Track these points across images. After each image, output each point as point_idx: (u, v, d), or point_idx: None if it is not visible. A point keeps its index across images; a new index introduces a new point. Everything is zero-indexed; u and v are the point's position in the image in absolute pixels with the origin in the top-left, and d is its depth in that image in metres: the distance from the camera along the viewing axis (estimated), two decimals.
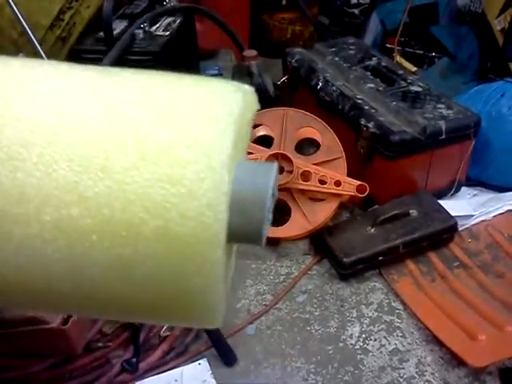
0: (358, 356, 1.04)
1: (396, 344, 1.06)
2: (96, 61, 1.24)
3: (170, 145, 0.37)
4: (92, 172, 0.36)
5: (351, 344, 1.07)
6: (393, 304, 1.15)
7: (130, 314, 0.43)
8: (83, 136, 0.37)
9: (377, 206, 1.30)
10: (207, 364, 1.01)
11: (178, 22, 1.46)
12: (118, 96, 0.40)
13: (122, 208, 0.36)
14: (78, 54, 1.35)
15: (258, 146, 1.30)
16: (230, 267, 0.48)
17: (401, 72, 1.46)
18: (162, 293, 0.39)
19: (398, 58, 1.80)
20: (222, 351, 1.03)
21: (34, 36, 1.08)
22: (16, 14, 1.01)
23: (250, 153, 1.27)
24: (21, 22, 1.05)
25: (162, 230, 0.36)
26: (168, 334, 1.05)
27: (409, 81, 1.41)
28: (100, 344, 1.02)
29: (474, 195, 1.39)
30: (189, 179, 0.36)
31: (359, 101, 1.35)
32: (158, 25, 1.43)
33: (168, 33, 1.40)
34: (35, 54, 1.14)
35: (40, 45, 1.10)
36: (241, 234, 0.41)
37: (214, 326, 0.44)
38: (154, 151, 0.37)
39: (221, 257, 0.38)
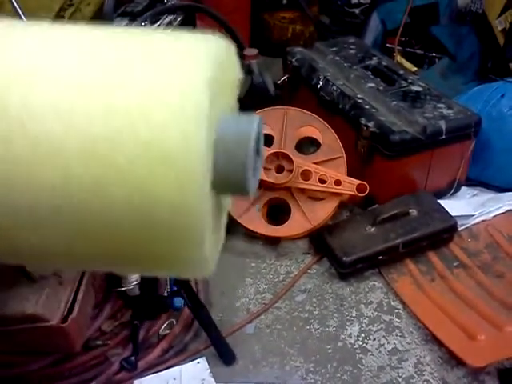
0: (357, 355, 1.04)
1: (395, 343, 1.06)
2: None
3: (153, 67, 0.39)
4: (74, 90, 0.38)
5: (350, 343, 1.07)
6: (392, 303, 1.15)
7: (112, 249, 0.43)
8: (68, 64, 0.39)
9: (377, 206, 1.30)
10: (206, 363, 1.01)
11: (178, 20, 1.46)
12: (103, 35, 0.42)
13: (103, 121, 0.37)
14: None
15: None
16: (220, 226, 0.49)
17: (401, 72, 1.46)
18: (143, 217, 0.39)
19: (399, 58, 1.80)
20: (220, 350, 1.03)
21: None
22: (17, 10, 1.01)
23: None
24: (21, 19, 1.04)
25: (143, 143, 0.37)
26: (167, 332, 1.05)
27: (409, 80, 1.41)
28: (99, 342, 1.02)
29: (474, 195, 1.39)
30: (171, 94, 0.37)
31: (359, 100, 1.35)
32: (158, 23, 1.43)
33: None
34: None
35: None
36: (226, 178, 0.41)
37: (203, 272, 0.44)
38: (136, 72, 0.38)
39: (203, 174, 0.38)
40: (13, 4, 0.96)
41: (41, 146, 0.38)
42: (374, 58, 1.53)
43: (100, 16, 1.30)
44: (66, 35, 0.43)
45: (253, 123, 0.42)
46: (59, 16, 1.28)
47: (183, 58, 0.40)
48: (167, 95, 0.38)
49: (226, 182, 0.42)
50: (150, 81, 0.39)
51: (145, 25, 1.36)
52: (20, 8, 1.00)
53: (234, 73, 0.47)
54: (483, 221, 1.29)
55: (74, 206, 0.39)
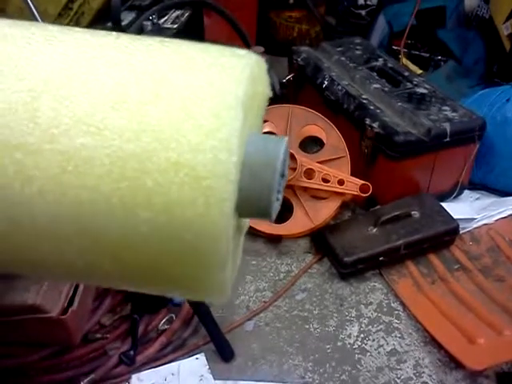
0: (356, 355, 1.04)
1: (394, 345, 1.06)
2: None
3: (186, 84, 0.38)
4: (108, 104, 0.37)
5: (349, 343, 1.07)
6: (392, 305, 1.14)
7: (135, 269, 0.42)
8: (103, 75, 0.38)
9: (379, 207, 1.30)
10: (204, 359, 1.01)
11: (186, 15, 1.46)
12: (138, 46, 0.41)
13: (135, 139, 0.36)
14: None
15: None
16: (238, 250, 0.48)
17: (407, 73, 1.46)
18: (168, 238, 0.38)
19: (404, 60, 1.80)
20: (219, 346, 1.02)
21: None
22: (26, 2, 1.01)
23: None
24: (30, 10, 1.04)
25: (173, 163, 0.36)
26: (166, 327, 1.05)
27: (414, 82, 1.41)
28: (98, 335, 1.02)
29: (477, 199, 1.38)
30: (204, 114, 0.36)
31: (364, 101, 1.35)
32: (166, 17, 1.43)
33: (176, 26, 1.40)
34: None
35: None
36: (251, 202, 0.40)
37: (222, 295, 0.43)
38: (169, 89, 0.37)
39: (231, 196, 0.37)
40: (29, 7, 0.96)
41: (70, 161, 0.36)
42: (380, 60, 1.53)
43: (107, 9, 1.30)
44: (100, 45, 0.42)
45: (280, 146, 0.41)
46: (67, 8, 1.28)
47: (218, 75, 0.39)
48: (201, 116, 0.37)
49: (249, 204, 0.41)
50: (183, 99, 0.38)
51: (152, 19, 1.36)
52: (32, 2, 0.99)
53: (263, 88, 0.46)
54: (485, 224, 1.28)
55: (99, 225, 0.38)
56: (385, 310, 1.13)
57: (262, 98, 0.46)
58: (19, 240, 0.39)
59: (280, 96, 1.57)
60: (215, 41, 1.83)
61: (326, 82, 1.45)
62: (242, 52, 0.43)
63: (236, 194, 0.39)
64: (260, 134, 0.44)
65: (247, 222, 0.51)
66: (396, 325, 1.10)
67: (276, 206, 0.42)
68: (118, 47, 0.42)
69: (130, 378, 0.97)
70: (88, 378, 0.95)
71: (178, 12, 1.48)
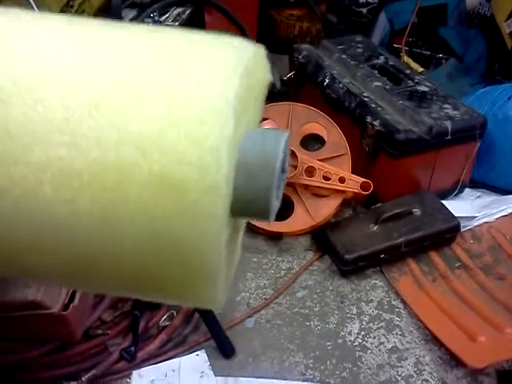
0: (357, 353, 1.04)
1: (395, 342, 1.06)
2: None
3: (171, 84, 0.34)
4: (85, 109, 0.33)
5: (350, 341, 1.07)
6: (393, 302, 1.14)
7: (121, 280, 0.40)
8: (79, 73, 0.34)
9: (380, 204, 1.30)
10: (205, 355, 1.01)
11: (187, 12, 1.46)
12: (120, 38, 0.37)
13: (115, 149, 0.33)
14: None
15: None
16: (235, 249, 0.45)
17: (408, 71, 1.46)
18: (154, 252, 0.36)
19: (405, 58, 1.80)
20: (220, 343, 1.03)
21: None
22: (28, 0, 1.01)
23: None
24: (32, 7, 1.04)
25: (156, 175, 0.33)
26: (167, 324, 1.05)
27: (416, 80, 1.41)
28: (99, 331, 1.02)
29: (478, 197, 1.38)
30: (190, 120, 0.33)
31: (366, 98, 1.35)
32: (167, 15, 1.43)
33: (177, 23, 1.40)
34: None
35: None
36: (247, 203, 0.37)
37: (214, 305, 0.40)
38: (153, 90, 0.34)
39: (222, 210, 0.34)
40: (31, 5, 0.96)
41: (45, 173, 0.33)
42: (381, 57, 1.53)
43: (108, 6, 1.30)
44: (78, 36, 0.38)
45: (280, 143, 0.38)
46: (68, 6, 1.28)
47: (208, 74, 0.35)
48: (187, 122, 0.33)
49: (246, 205, 0.38)
50: (168, 102, 0.34)
51: (153, 16, 1.36)
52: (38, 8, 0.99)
53: (262, 76, 0.43)
54: (486, 222, 1.28)
55: (81, 240, 0.35)
56: (385, 307, 1.13)
57: (260, 86, 0.43)
58: (3, 250, 0.37)
59: (281, 94, 1.57)
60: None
61: (327, 80, 1.45)
62: (238, 43, 0.39)
63: (230, 198, 0.36)
64: (257, 130, 0.40)
65: (244, 220, 0.48)
66: (397, 322, 1.10)
67: (275, 206, 0.39)
68: (98, 39, 0.38)
69: (130, 374, 0.97)
70: (89, 374, 0.95)
71: (179, 9, 1.48)
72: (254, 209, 0.38)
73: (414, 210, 1.24)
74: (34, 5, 0.99)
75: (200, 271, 0.36)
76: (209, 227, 0.34)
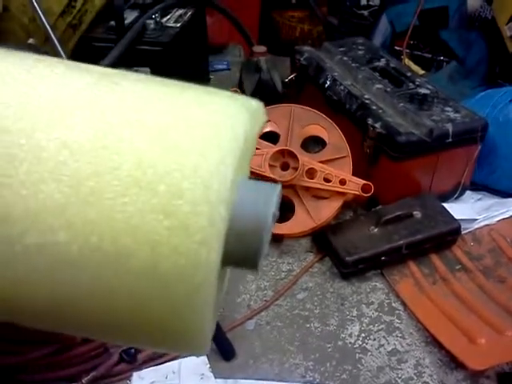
0: (357, 355, 1.04)
1: (395, 344, 1.06)
2: (106, 49, 1.24)
3: (167, 172, 0.34)
4: (81, 195, 0.33)
5: (350, 343, 1.07)
6: (393, 304, 1.14)
7: (111, 339, 0.43)
8: (74, 154, 0.34)
9: (380, 207, 1.30)
10: (205, 357, 1.01)
11: (189, 14, 1.46)
12: (114, 110, 0.36)
13: (111, 237, 0.33)
14: (88, 42, 1.35)
15: (264, 142, 1.30)
16: (223, 286, 0.46)
17: (409, 74, 1.46)
18: (145, 328, 0.37)
19: (406, 61, 1.80)
20: (220, 345, 1.02)
21: (47, 22, 1.08)
22: (37, 11, 1.01)
23: (256, 148, 1.26)
24: (33, 7, 1.05)
25: (151, 265, 0.33)
26: None
27: (417, 83, 1.41)
28: None
29: (479, 199, 1.38)
30: (184, 212, 0.33)
31: (367, 101, 1.35)
32: (169, 16, 1.43)
33: (179, 24, 1.40)
34: (46, 40, 1.14)
35: (52, 31, 1.10)
36: (236, 261, 0.39)
37: (202, 354, 0.43)
38: (148, 177, 0.34)
39: (210, 296, 0.35)
40: (33, 5, 0.96)
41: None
42: (383, 60, 1.53)
43: (110, 7, 1.30)
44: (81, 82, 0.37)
45: (271, 204, 0.38)
46: (70, 6, 1.28)
47: (200, 157, 0.35)
48: (178, 213, 0.33)
49: (235, 262, 0.39)
50: (162, 191, 0.34)
51: (155, 18, 1.36)
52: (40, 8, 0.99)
53: (258, 127, 0.42)
54: (487, 225, 1.28)
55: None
56: (386, 309, 1.13)
57: (254, 138, 0.42)
58: None
59: (282, 95, 1.57)
60: (217, 41, 1.84)
61: (328, 82, 1.45)
62: (234, 110, 0.38)
63: (217, 270, 0.36)
64: (250, 186, 0.40)
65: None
66: (397, 324, 1.10)
67: (264, 254, 0.40)
68: (103, 88, 0.37)
69: (130, 375, 0.97)
70: (89, 376, 0.95)
71: (181, 11, 1.48)
72: (243, 265, 0.40)
73: (414, 212, 1.25)
74: (37, 6, 0.99)
75: (188, 342, 0.38)
76: (199, 310, 0.35)
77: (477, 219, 1.29)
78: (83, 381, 0.94)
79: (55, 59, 0.41)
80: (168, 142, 0.35)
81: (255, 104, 0.41)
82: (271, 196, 0.39)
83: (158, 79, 0.41)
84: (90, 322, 0.38)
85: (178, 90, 0.40)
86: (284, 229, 1.25)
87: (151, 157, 0.35)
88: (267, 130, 1.35)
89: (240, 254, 0.38)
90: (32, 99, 0.36)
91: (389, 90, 1.38)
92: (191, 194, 0.34)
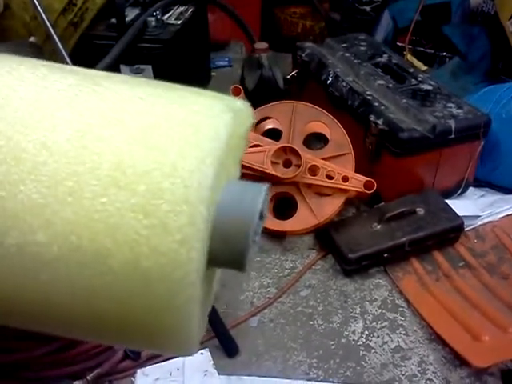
0: (361, 352, 1.04)
1: (399, 341, 1.06)
2: (107, 47, 1.24)
3: (146, 171, 0.34)
4: (60, 195, 0.34)
5: (354, 340, 1.07)
6: (397, 301, 1.14)
7: (97, 339, 0.44)
8: (53, 155, 0.34)
9: (383, 203, 1.30)
10: (209, 354, 1.01)
11: (190, 11, 1.46)
12: (94, 110, 0.36)
13: (90, 237, 0.33)
14: (89, 40, 1.34)
15: (266, 139, 1.30)
16: (213, 287, 0.46)
17: (411, 70, 1.46)
18: (128, 328, 0.37)
19: (409, 57, 1.80)
20: (224, 342, 1.03)
21: (48, 19, 1.08)
22: (38, 10, 1.01)
23: (258, 145, 1.26)
24: (34, 5, 1.04)
25: (130, 264, 0.34)
26: None
27: (419, 79, 1.41)
28: None
29: (482, 196, 1.38)
30: (163, 211, 0.33)
31: (369, 97, 1.35)
32: (170, 13, 1.43)
33: (180, 22, 1.39)
34: (47, 38, 1.14)
35: (53, 29, 1.10)
36: (222, 261, 0.39)
37: (188, 355, 0.42)
38: (128, 177, 0.34)
39: (193, 294, 0.35)
40: (34, 3, 0.96)
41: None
42: (385, 56, 1.52)
43: (111, 4, 1.29)
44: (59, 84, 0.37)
45: (257, 204, 0.38)
46: (71, 4, 1.28)
47: (181, 156, 0.35)
48: (158, 212, 0.33)
49: (221, 262, 0.39)
50: (143, 191, 0.34)
51: (156, 15, 1.36)
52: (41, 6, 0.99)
53: (245, 128, 0.42)
54: (490, 222, 1.28)
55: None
56: (389, 306, 1.13)
57: (243, 137, 0.42)
58: None
59: (284, 91, 1.57)
60: (219, 37, 1.83)
61: (330, 78, 1.45)
62: (217, 110, 0.38)
63: (200, 269, 0.36)
64: (236, 186, 0.40)
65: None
66: (400, 322, 1.10)
67: (252, 256, 0.40)
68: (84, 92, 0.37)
69: (135, 372, 0.97)
70: (94, 373, 0.95)
71: (182, 8, 1.47)
72: (230, 265, 0.39)
73: (417, 209, 1.24)
74: (38, 4, 0.99)
75: (173, 341, 0.38)
76: (181, 310, 0.35)
77: (480, 216, 1.29)
78: (88, 378, 0.95)
79: (39, 61, 0.41)
80: (148, 141, 0.35)
81: (240, 104, 0.41)
82: (257, 196, 0.38)
83: (144, 80, 0.41)
84: (72, 322, 0.38)
85: (162, 91, 0.40)
86: (287, 226, 1.25)
87: (131, 156, 0.35)
88: (269, 126, 1.35)
89: (226, 254, 0.38)
90: (12, 101, 0.36)
91: (391, 86, 1.37)
92: (171, 193, 0.34)
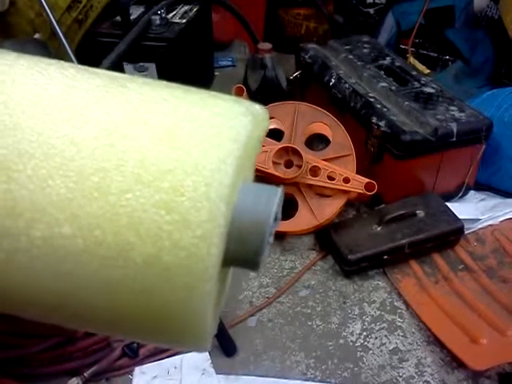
0: (358, 353, 1.04)
1: (397, 343, 1.06)
2: (112, 45, 1.25)
3: (169, 169, 0.35)
4: (87, 190, 0.35)
5: (352, 341, 1.07)
6: (395, 303, 1.14)
7: (112, 332, 0.43)
8: (82, 151, 0.35)
9: (384, 205, 1.30)
10: (207, 353, 1.01)
11: (194, 10, 1.46)
12: (120, 110, 0.38)
13: (114, 231, 0.35)
14: (93, 37, 1.35)
15: (268, 139, 1.30)
16: (225, 287, 0.47)
17: (414, 73, 1.46)
18: (146, 322, 0.38)
19: (412, 60, 1.80)
20: (222, 341, 1.03)
21: (53, 17, 1.08)
22: (45, 9, 1.01)
23: None
24: (40, 2, 1.05)
25: (152, 258, 0.35)
26: None
27: (422, 82, 1.41)
28: None
29: (482, 199, 1.38)
30: (185, 208, 0.35)
31: (371, 99, 1.35)
32: (174, 12, 1.43)
33: (184, 20, 1.40)
34: (52, 35, 1.14)
35: (58, 26, 1.10)
36: (237, 261, 0.40)
37: (202, 351, 0.44)
38: (152, 175, 0.35)
39: (211, 290, 0.36)
40: (40, 1, 0.96)
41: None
42: (388, 58, 1.53)
43: (116, 2, 1.30)
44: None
45: (272, 206, 0.39)
46: (76, 1, 1.28)
47: (202, 156, 0.36)
48: (180, 208, 0.35)
49: (236, 261, 0.40)
50: (164, 187, 0.35)
51: (160, 13, 1.36)
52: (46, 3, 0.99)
53: (261, 131, 0.43)
54: (490, 225, 1.28)
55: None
56: (388, 308, 1.13)
57: (259, 141, 0.43)
58: None
59: (287, 92, 1.57)
60: (223, 37, 1.84)
61: (333, 80, 1.45)
62: (235, 115, 0.39)
63: (218, 264, 0.37)
64: (252, 188, 0.41)
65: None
66: (399, 323, 1.10)
67: (266, 255, 0.41)
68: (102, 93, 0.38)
69: (132, 370, 0.97)
70: (91, 370, 0.95)
71: (187, 7, 1.48)
72: (244, 265, 0.40)
73: (417, 211, 1.24)
74: (43, 1, 0.99)
75: (189, 335, 0.39)
76: (199, 303, 0.36)
77: (480, 219, 1.29)
78: (85, 374, 0.95)
79: (66, 63, 0.42)
80: (171, 141, 0.37)
81: (259, 108, 0.42)
82: (273, 198, 0.39)
83: (164, 83, 0.43)
84: (92, 315, 0.39)
85: (183, 93, 0.41)
86: (287, 226, 1.25)
87: (155, 155, 0.36)
88: (272, 127, 1.35)
89: (241, 254, 0.39)
90: (43, 99, 0.37)
91: (394, 88, 1.38)
92: (193, 190, 0.35)
